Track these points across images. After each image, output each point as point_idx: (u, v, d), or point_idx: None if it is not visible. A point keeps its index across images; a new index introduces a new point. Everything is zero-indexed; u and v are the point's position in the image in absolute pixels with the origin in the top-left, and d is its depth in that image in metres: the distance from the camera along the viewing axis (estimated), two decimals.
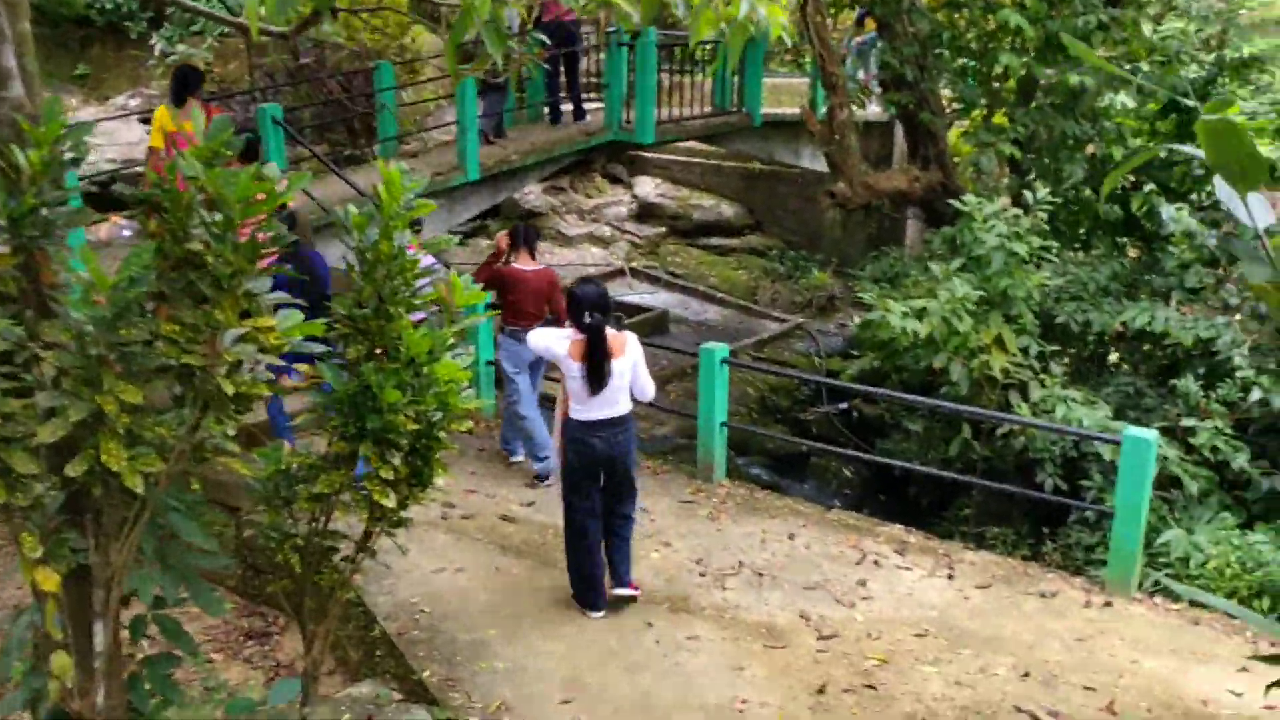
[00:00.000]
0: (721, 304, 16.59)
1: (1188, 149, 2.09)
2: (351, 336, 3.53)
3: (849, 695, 5.47)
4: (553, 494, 7.43)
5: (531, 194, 18.72)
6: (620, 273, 17.52)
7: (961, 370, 8.28)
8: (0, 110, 2.83)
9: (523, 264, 7.90)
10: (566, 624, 6.11)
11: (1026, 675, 5.67)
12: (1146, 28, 11.66)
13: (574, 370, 5.76)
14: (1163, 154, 8.99)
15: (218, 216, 2.89)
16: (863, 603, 6.41)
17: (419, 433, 3.51)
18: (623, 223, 19.10)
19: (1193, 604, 6.44)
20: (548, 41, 6.22)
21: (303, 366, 3.58)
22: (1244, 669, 5.72)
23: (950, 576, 6.73)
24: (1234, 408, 7.66)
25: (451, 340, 3.65)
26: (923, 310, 8.00)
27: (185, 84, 7.97)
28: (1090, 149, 10.70)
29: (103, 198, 10.68)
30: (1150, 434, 6.31)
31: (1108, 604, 6.40)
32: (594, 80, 15.73)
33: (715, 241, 18.69)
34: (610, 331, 5.78)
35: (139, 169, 11.27)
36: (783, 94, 17.03)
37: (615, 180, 20.03)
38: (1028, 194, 8.49)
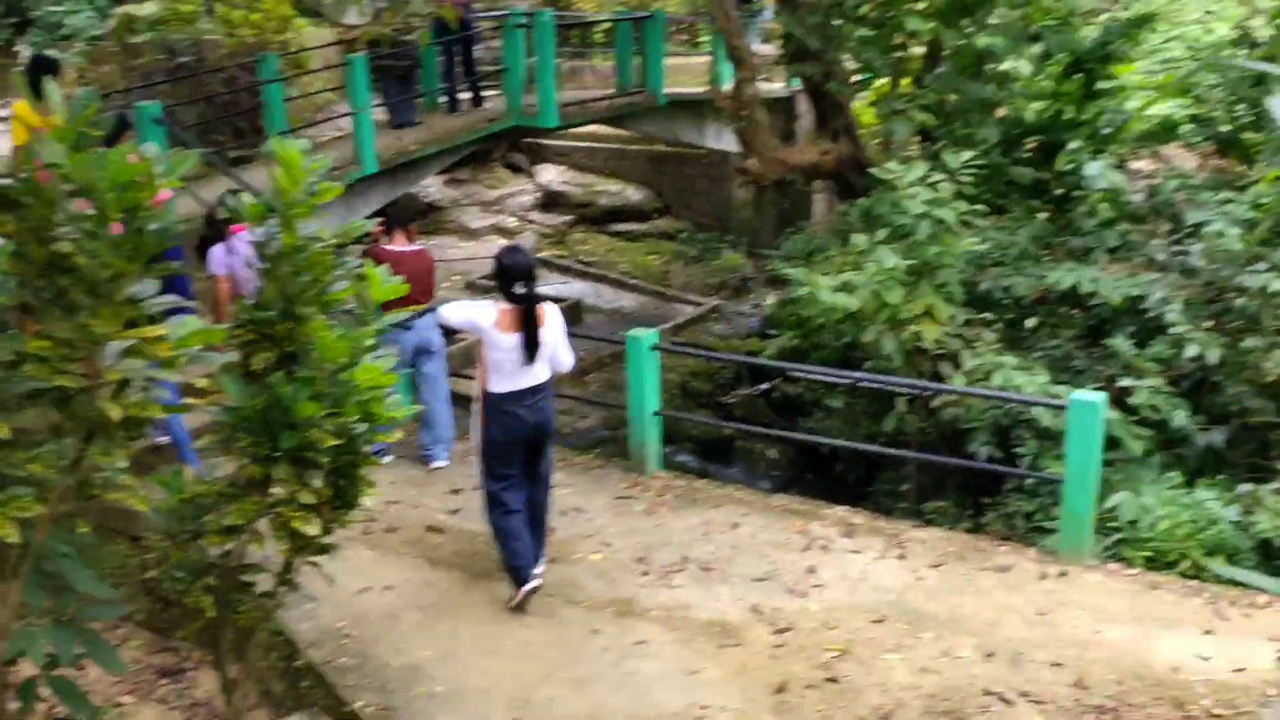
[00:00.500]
0: (635, 290, 16.26)
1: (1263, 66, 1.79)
2: (257, 343, 3.08)
3: (812, 691, 5.19)
4: (481, 499, 7.01)
5: (431, 187, 18.15)
6: None
7: (894, 343, 8.06)
8: None
9: (398, 244, 7.50)
10: (506, 638, 5.72)
11: (991, 656, 5.45)
12: None
13: (502, 342, 5.68)
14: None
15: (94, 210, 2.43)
16: (815, 591, 6.13)
17: (341, 449, 3.08)
18: (528, 213, 18.64)
19: (1149, 568, 6.31)
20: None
21: (202, 380, 3.12)
22: (1209, 632, 5.59)
23: (902, 557, 6.49)
24: (1167, 365, 7.58)
25: (371, 341, 3.24)
26: (850, 284, 7.75)
27: (40, 71, 7.25)
28: (1001, 111, 10.58)
29: None
30: (1097, 397, 6.15)
31: (1063, 574, 6.23)
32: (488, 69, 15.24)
33: (624, 227, 18.34)
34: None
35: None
36: (681, 74, 16.77)
37: (517, 170, 19.55)
38: (949, 158, 8.29)
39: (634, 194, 18.62)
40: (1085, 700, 5.05)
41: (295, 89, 13.87)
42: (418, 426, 8.22)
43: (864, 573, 6.32)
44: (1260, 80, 8.34)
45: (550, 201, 18.78)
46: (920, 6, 11.12)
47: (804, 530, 6.83)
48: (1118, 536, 6.51)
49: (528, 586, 5.91)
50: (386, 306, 3.20)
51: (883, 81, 12.34)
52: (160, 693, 6.37)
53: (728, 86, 12.72)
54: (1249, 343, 7.01)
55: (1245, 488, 6.46)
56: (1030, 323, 10.28)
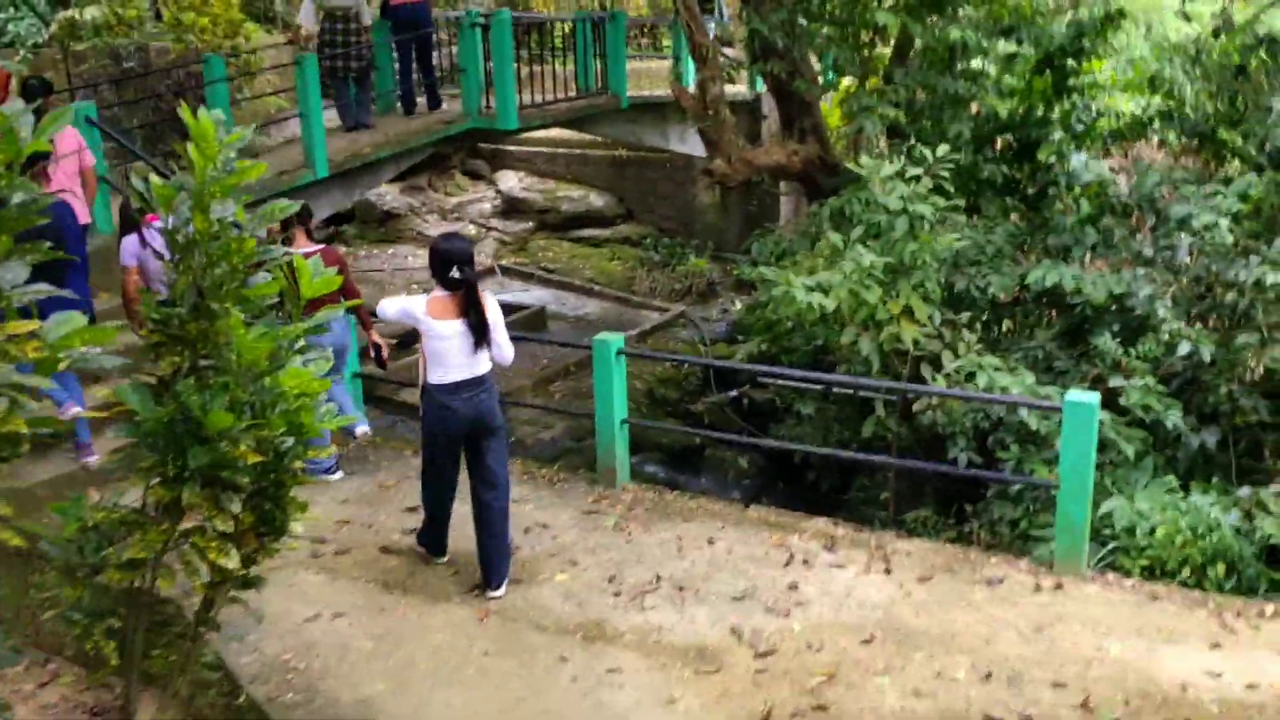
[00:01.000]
0: (600, 297, 15.87)
1: None
2: (164, 345, 2.64)
3: None
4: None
5: (388, 194, 17.67)
6: (490, 271, 16.62)
7: (871, 344, 7.70)
8: None
9: (300, 245, 7.12)
10: (467, 667, 5.28)
11: (989, 676, 5.09)
12: None
13: (439, 330, 5.60)
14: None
15: None
16: (798, 609, 5.74)
17: (264, 467, 2.65)
18: (488, 220, 18.18)
19: (1147, 577, 5.98)
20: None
21: (102, 390, 2.67)
22: (1216, 645, 5.25)
23: (888, 571, 6.12)
24: (1156, 364, 7.28)
25: (301, 342, 2.82)
26: (826, 283, 7.38)
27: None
28: (973, 108, 10.29)
29: None
30: (1092, 397, 5.81)
31: (1059, 586, 5.88)
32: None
33: (587, 233, 17.92)
34: None
35: None
36: (642, 77, 16.44)
37: (476, 176, 19.09)
38: (926, 152, 7.95)
39: (597, 199, 18.21)
40: None
41: (247, 92, 13.43)
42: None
43: (848, 588, 5.94)
44: (1242, 71, 8.08)
45: (511, 208, 18.34)
46: (887, 4, 10.83)
47: (783, 544, 6.44)
48: (1114, 545, 6.17)
49: (440, 559, 6.17)
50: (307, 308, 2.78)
51: (849, 81, 12.05)
52: None
53: (692, 86, 12.38)
54: (1242, 339, 6.71)
55: (1245, 491, 6.14)
56: (1006, 324, 10.00)
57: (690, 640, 5.47)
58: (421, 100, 12.99)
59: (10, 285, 2.02)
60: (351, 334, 7.74)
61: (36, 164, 6.15)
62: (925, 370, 7.90)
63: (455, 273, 5.56)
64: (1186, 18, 9.78)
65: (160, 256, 2.80)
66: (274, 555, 2.89)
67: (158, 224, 3.05)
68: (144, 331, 2.62)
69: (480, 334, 5.64)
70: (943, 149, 7.97)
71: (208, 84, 11.21)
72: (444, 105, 12.92)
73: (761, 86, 15.43)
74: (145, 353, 2.81)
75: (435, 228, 17.79)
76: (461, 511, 6.86)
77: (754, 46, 11.75)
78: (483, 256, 17.33)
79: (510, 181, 18.65)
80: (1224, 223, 6.78)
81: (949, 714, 4.81)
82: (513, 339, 6.04)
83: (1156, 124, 10.47)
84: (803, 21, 11.55)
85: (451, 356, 5.66)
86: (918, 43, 11.25)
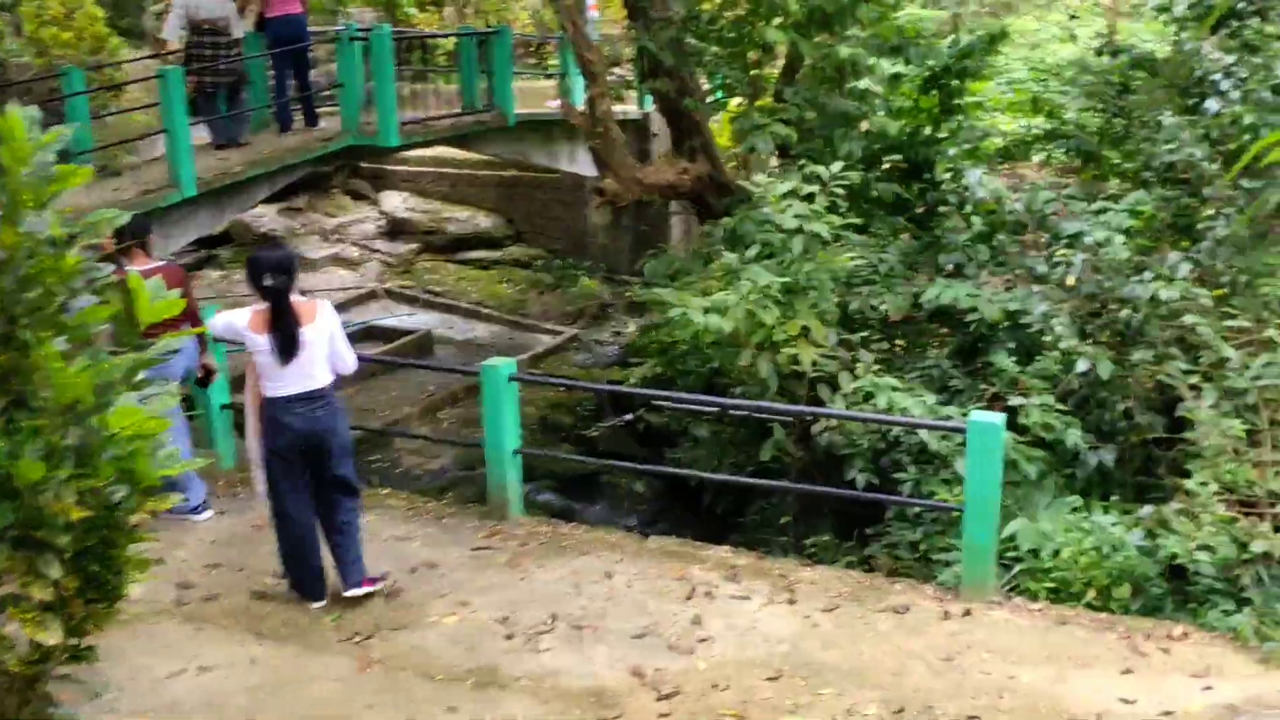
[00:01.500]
0: (489, 320, 15.47)
1: None
2: None
3: None
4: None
5: (265, 216, 16.98)
6: (374, 295, 16.09)
7: (769, 366, 7.51)
8: None
9: (139, 264, 6.61)
10: None
11: (900, 712, 4.87)
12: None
13: (260, 344, 5.42)
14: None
15: None
16: (702, 646, 5.45)
17: (91, 523, 2.25)
18: (371, 241, 17.63)
19: (1054, 601, 5.86)
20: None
21: None
22: (1128, 671, 5.13)
23: (792, 601, 5.88)
24: (1053, 382, 7.23)
25: (140, 375, 2.43)
26: (723, 304, 7.16)
27: None
28: (865, 126, 10.25)
29: None
30: (996, 418, 5.69)
31: (967, 612, 5.71)
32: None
33: (475, 255, 17.52)
34: (296, 297, 5.50)
35: None
36: (528, 96, 16.14)
37: (359, 197, 18.52)
38: (821, 170, 7.81)
39: (484, 221, 17.82)
40: None
41: (114, 108, 12.75)
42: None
43: (753, 621, 5.68)
44: (1126, 88, 8.16)
45: (395, 229, 17.83)
46: (776, 22, 10.75)
47: (684, 576, 6.16)
48: (1019, 568, 6.04)
49: (321, 604, 5.75)
50: (148, 333, 2.39)
51: (739, 101, 11.95)
52: None
53: (581, 103, 12.12)
54: (1138, 355, 6.69)
55: (1147, 509, 6.08)
56: (899, 343, 9.93)
57: (589, 684, 5.13)
58: (298, 117, 12.45)
59: None
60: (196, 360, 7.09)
61: None
62: (823, 391, 7.73)
63: (267, 280, 5.34)
64: (1072, 37, 9.90)
65: None
66: (102, 628, 2.48)
67: None
68: None
69: (285, 349, 5.38)
70: (836, 166, 7.84)
71: (66, 97, 10.52)
72: (321, 122, 12.41)
73: (650, 105, 15.28)
74: None
75: (316, 250, 17.18)
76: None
77: (642, 64, 11.56)
78: (367, 280, 16.80)
79: (394, 202, 18.13)
80: (1118, 238, 6.77)
81: None
82: (399, 365, 5.73)
83: (1041, 143, 10.60)
84: (692, 40, 11.42)
85: (276, 371, 5.44)
86: (807, 61, 11.21)
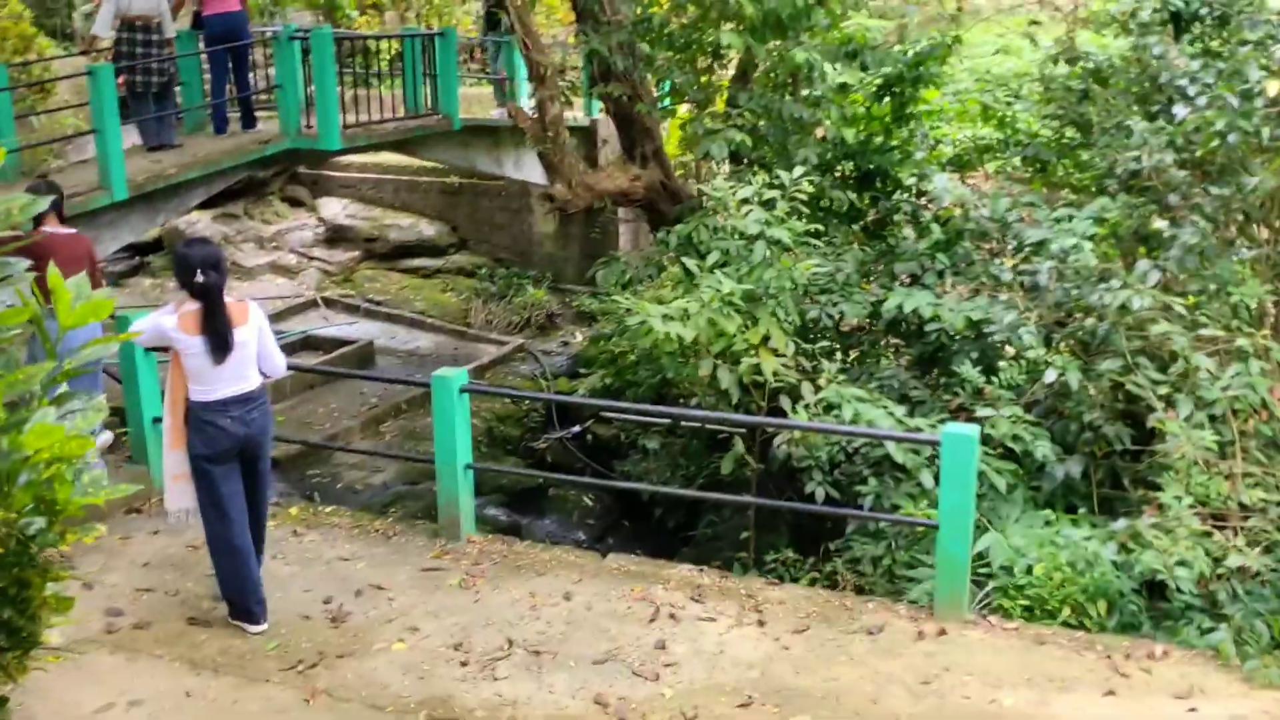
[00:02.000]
0: (432, 330, 15.07)
1: None
2: None
3: None
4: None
5: (200, 222, 16.43)
6: (313, 304, 15.61)
7: (731, 377, 7.27)
8: None
9: (50, 226, 6.73)
10: None
11: None
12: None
13: (191, 345, 5.23)
14: None
15: None
16: (668, 671, 5.19)
17: (2, 561, 1.93)
18: (310, 249, 17.14)
19: (1030, 619, 5.68)
20: None
21: None
22: (1110, 692, 4.96)
23: (761, 623, 5.63)
24: (1018, 392, 7.07)
25: (62, 387, 2.11)
26: (684, 311, 6.90)
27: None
28: (820, 132, 10.08)
29: None
30: (971, 430, 5.50)
31: (942, 632, 5.51)
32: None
33: (418, 263, 17.09)
34: (228, 297, 5.37)
35: None
36: (473, 104, 15.82)
37: (297, 203, 18.01)
38: (784, 174, 7.60)
39: (427, 228, 17.41)
40: None
41: (41, 108, 12.22)
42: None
43: (721, 644, 5.43)
44: (1086, 95, 8.07)
45: (335, 237, 17.35)
46: (729, 26, 10.57)
47: (646, 596, 5.89)
48: (993, 585, 5.85)
49: (262, 628, 5.50)
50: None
51: (687, 109, 11.75)
52: None
53: (528, 106, 11.84)
54: (1106, 365, 6.55)
55: (1121, 523, 5.93)
56: (853, 353, 9.77)
57: (549, 713, 4.85)
58: (235, 119, 12.00)
59: None
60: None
61: None
62: (784, 402, 7.51)
63: (199, 277, 5.16)
64: (1033, 42, 9.81)
65: None
66: (20, 679, 2.15)
67: None
68: None
69: (220, 349, 5.23)
70: (798, 171, 7.64)
71: None
72: (260, 125, 11.97)
73: (597, 112, 15.03)
74: None
75: (252, 258, 16.69)
76: (282, 574, 6.10)
77: (592, 68, 11.30)
78: (306, 288, 16.32)
79: (334, 209, 17.67)
80: (1087, 245, 6.63)
81: None
82: (340, 375, 5.44)
83: (997, 151, 10.51)
84: (644, 46, 11.20)
85: (209, 373, 5.27)
86: (760, 67, 11.04)
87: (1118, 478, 7.15)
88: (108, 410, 2.43)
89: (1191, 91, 6.63)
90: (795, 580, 7.16)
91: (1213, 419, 6.29)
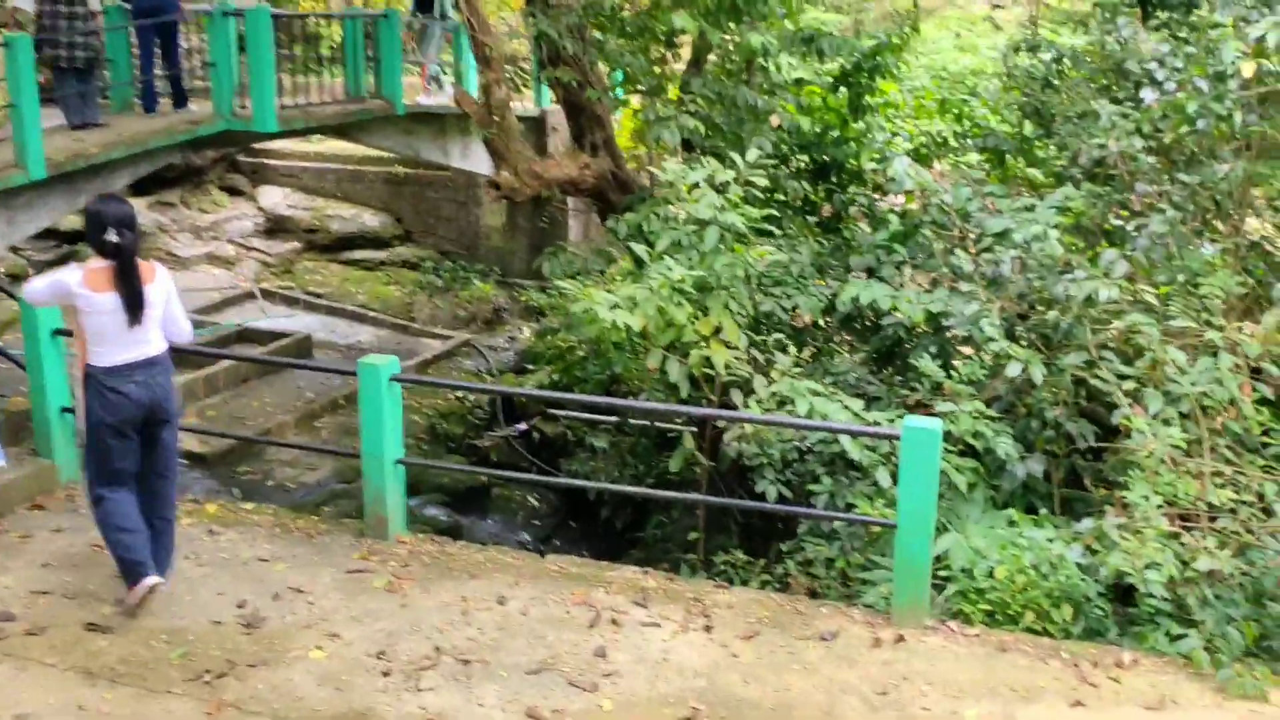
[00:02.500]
0: (375, 323, 14.63)
1: None
2: None
3: None
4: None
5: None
6: (250, 295, 15.09)
7: (681, 369, 6.92)
8: None
9: None
10: None
11: None
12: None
13: (97, 304, 5.03)
14: None
15: None
16: (607, 681, 4.81)
17: None
18: (248, 239, 16.60)
19: (991, 624, 5.37)
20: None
21: None
22: (1078, 704, 4.65)
23: (709, 628, 5.27)
24: (978, 387, 6.79)
25: None
26: (633, 299, 6.54)
27: None
28: (775, 120, 9.78)
29: None
30: (933, 424, 5.19)
31: (900, 639, 5.19)
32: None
33: (360, 255, 16.62)
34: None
35: None
36: (417, 91, 15.37)
37: (236, 192, 17.45)
38: (737, 158, 7.25)
39: (370, 219, 16.93)
40: None
41: None
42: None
43: (665, 652, 5.06)
44: (1049, 84, 7.82)
45: (275, 227, 16.83)
46: (682, 13, 10.24)
47: (587, 600, 5.50)
48: (953, 588, 5.54)
49: (147, 582, 5.13)
50: None
51: (641, 101, 11.42)
52: None
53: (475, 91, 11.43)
54: (1069, 359, 6.27)
55: (1086, 524, 5.64)
56: (809, 348, 9.47)
57: None
58: (166, 98, 11.47)
59: None
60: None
61: None
62: (736, 397, 7.17)
63: (112, 236, 4.96)
64: (996, 26, 9.59)
65: None
66: None
67: None
68: None
69: (135, 307, 5.05)
70: (752, 155, 7.30)
71: None
72: (192, 105, 11.45)
73: (548, 102, 14.65)
74: None
75: (189, 248, 16.13)
76: (193, 575, 5.65)
77: (541, 53, 10.91)
78: (244, 280, 15.77)
79: (274, 198, 17.13)
80: (1053, 234, 6.36)
81: None
82: (273, 364, 5.06)
83: (952, 145, 10.28)
84: (595, 33, 10.84)
85: (115, 334, 5.08)
86: (714, 54, 10.73)
87: (1078, 477, 6.90)
88: None
89: (1160, 76, 6.38)
90: (745, 583, 6.84)
91: (1182, 416, 6.04)
